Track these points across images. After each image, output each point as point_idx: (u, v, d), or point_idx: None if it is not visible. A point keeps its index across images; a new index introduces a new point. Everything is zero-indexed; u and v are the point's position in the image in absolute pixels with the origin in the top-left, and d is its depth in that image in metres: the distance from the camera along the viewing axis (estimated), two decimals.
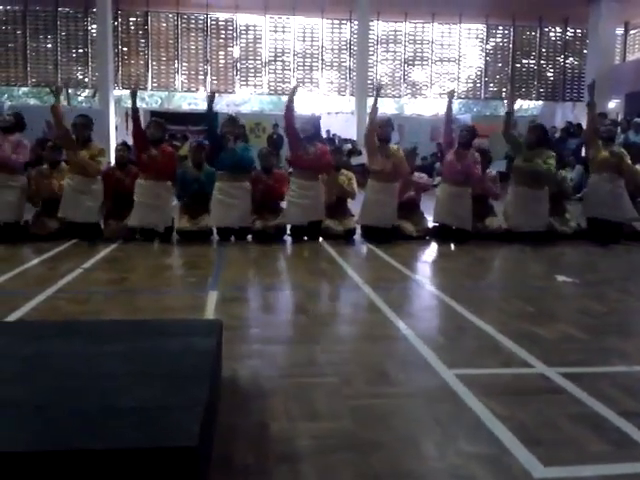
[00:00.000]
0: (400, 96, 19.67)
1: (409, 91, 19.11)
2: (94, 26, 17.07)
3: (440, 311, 3.84)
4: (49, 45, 17.51)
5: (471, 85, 19.33)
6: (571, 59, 19.35)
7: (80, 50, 17.61)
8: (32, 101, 26.68)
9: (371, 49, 17.84)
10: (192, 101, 29.54)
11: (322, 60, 18.36)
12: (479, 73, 19.24)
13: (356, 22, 17.22)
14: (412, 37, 18.67)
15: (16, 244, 5.84)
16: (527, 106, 25.68)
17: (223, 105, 27.69)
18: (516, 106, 23.61)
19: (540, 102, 21.27)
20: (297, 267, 5.35)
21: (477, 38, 19.12)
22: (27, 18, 17.24)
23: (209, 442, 1.79)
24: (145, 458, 1.44)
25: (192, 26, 17.98)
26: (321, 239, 6.43)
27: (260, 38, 18.13)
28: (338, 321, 3.54)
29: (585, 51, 18.34)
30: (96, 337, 2.18)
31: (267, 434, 2.07)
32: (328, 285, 4.62)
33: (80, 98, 26.94)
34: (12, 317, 3.33)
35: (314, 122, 6.87)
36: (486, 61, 19.11)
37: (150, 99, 29.32)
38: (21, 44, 17.34)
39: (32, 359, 1.92)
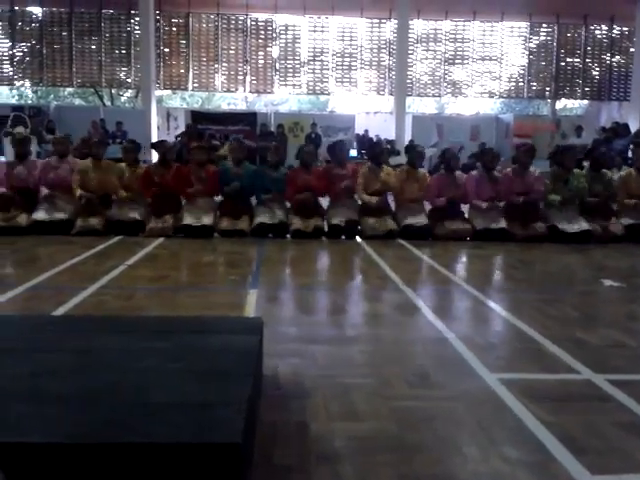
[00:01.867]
0: (440, 95, 19.48)
1: (449, 90, 18.90)
2: (137, 27, 17.41)
3: (482, 314, 3.78)
4: (93, 46, 17.95)
5: (513, 84, 19.01)
6: (617, 57, 18.85)
7: (123, 51, 18.00)
8: (77, 101, 27.38)
9: (410, 48, 17.72)
10: (231, 101, 29.86)
11: (361, 59, 18.32)
12: (522, 72, 18.91)
13: (396, 21, 17.13)
14: (453, 35, 18.48)
15: (63, 240, 5.99)
16: (572, 105, 25.12)
17: (261, 105, 27.94)
18: (560, 105, 23.11)
19: (585, 101, 20.77)
20: (336, 267, 5.35)
21: (520, 36, 18.79)
22: (73, 20, 17.71)
23: (251, 439, 1.80)
24: (189, 453, 1.46)
25: (232, 27, 18.19)
26: (359, 239, 6.42)
27: (299, 38, 18.21)
28: (378, 322, 3.51)
29: (632, 49, 17.83)
30: (141, 333, 2.22)
31: (307, 433, 2.07)
32: (367, 286, 4.60)
33: (123, 99, 27.55)
34: (59, 311, 3.41)
35: (340, 147, 7.00)
36: (529, 59, 18.77)
37: (190, 99, 29.76)
38: (67, 45, 17.82)
39: (79, 353, 1.97)
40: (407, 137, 16.25)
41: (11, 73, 18.12)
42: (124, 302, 3.79)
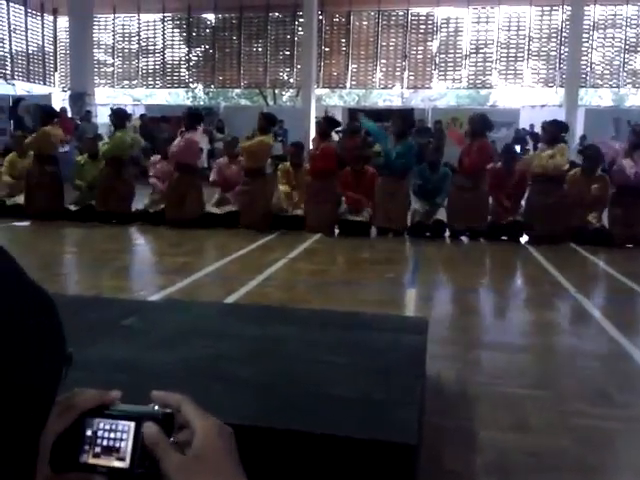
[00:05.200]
0: (619, 86, 17.80)
1: (629, 81, 17.20)
2: (300, 29, 18.04)
3: None
4: (260, 49, 18.91)
5: None
6: None
7: (287, 52, 18.75)
8: (243, 101, 29.09)
9: (585, 35, 16.37)
10: (387, 98, 29.88)
11: (528, 50, 17.32)
12: None
13: (569, 7, 15.95)
14: (635, 21, 16.76)
15: (229, 232, 6.34)
16: None
17: (418, 101, 27.63)
18: None
19: None
20: (497, 269, 5.10)
21: None
22: (242, 24, 18.80)
23: (421, 441, 1.75)
24: (362, 449, 1.44)
25: (392, 22, 18.12)
26: (523, 241, 6.06)
27: (461, 30, 17.67)
28: (549, 331, 3.28)
29: None
30: (310, 325, 2.26)
31: (476, 442, 1.98)
32: (535, 291, 4.32)
33: (284, 98, 28.80)
34: (230, 299, 3.62)
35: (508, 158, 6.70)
36: None
37: (348, 97, 30.28)
38: (236, 49, 18.97)
39: (256, 340, 2.05)
40: (579, 132, 15.07)
41: (187, 76, 19.72)
42: (286, 293, 3.94)
